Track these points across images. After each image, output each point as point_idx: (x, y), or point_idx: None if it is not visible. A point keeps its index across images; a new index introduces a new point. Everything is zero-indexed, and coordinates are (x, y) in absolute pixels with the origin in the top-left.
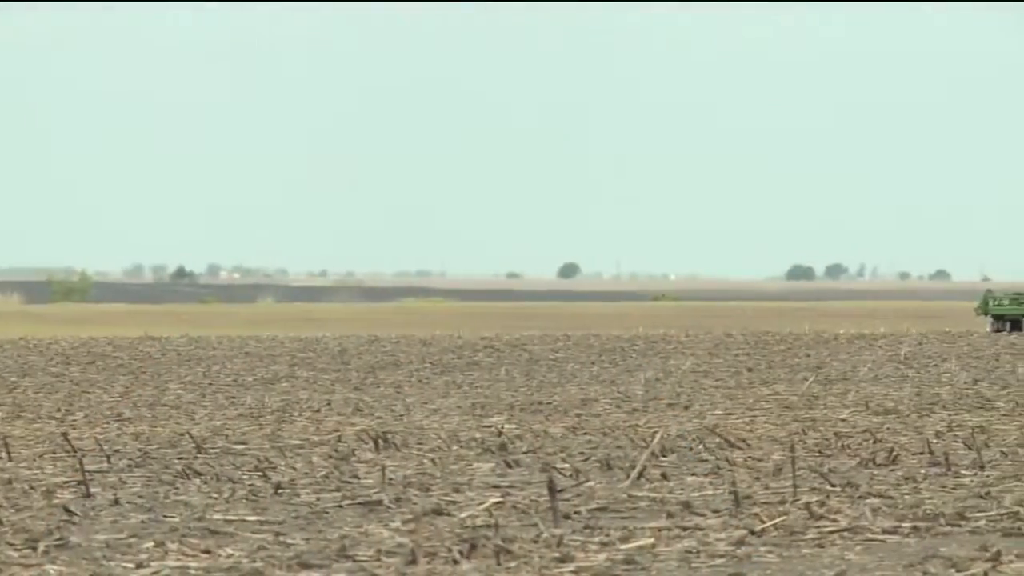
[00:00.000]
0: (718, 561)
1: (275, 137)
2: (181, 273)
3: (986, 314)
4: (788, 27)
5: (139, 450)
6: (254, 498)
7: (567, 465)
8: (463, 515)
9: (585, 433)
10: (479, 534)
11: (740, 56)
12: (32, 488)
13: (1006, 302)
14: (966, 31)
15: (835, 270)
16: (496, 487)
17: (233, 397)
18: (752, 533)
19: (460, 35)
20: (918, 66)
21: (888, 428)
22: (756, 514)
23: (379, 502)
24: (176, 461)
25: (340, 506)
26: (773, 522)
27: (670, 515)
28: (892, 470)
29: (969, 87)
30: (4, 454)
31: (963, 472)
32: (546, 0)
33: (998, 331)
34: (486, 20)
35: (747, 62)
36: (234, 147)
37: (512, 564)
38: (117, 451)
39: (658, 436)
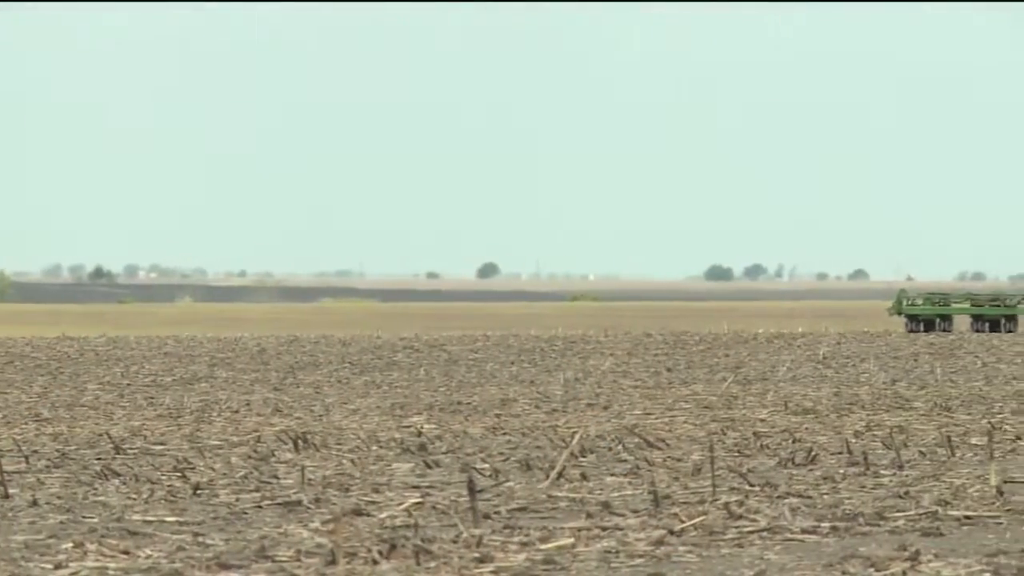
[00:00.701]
0: (637, 561)
1: (193, 137)
2: (99, 273)
3: (899, 314)
4: (705, 29)
5: (57, 451)
6: (173, 499)
7: (487, 465)
8: (383, 515)
9: (504, 433)
10: (399, 534)
11: (657, 58)
12: None
13: (919, 302)
14: (885, 32)
15: (754, 270)
16: (416, 487)
17: (152, 397)
18: (671, 533)
19: (379, 36)
20: (837, 66)
21: (807, 428)
22: (675, 514)
23: (298, 502)
24: (95, 462)
25: (259, 506)
26: (692, 522)
27: (589, 515)
28: (811, 470)
29: (886, 88)
30: None
31: (882, 472)
32: (455, 0)
33: (912, 331)
34: (403, 22)
35: (664, 64)
36: (152, 147)
37: (432, 564)
38: (35, 452)
39: (577, 436)
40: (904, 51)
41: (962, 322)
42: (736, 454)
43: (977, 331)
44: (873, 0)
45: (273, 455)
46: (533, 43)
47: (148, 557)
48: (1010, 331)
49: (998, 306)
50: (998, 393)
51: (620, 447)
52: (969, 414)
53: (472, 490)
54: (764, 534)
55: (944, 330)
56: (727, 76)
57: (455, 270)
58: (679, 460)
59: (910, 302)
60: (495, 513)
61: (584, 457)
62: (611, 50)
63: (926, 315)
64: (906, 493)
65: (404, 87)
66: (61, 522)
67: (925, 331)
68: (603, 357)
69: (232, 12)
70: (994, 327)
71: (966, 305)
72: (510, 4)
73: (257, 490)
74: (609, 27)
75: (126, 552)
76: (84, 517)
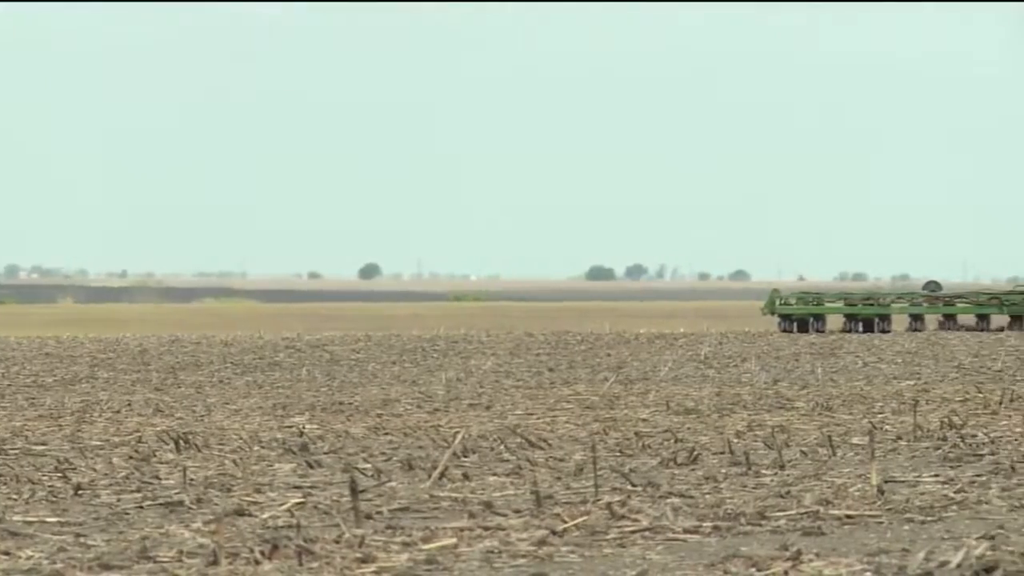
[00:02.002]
0: (520, 561)
1: (73, 135)
2: None
3: (772, 313)
4: (583, 28)
5: None
6: (54, 499)
7: (369, 465)
8: (265, 516)
9: (387, 433)
10: (281, 535)
11: (538, 57)
12: None
13: (793, 301)
14: (768, 30)
15: (635, 271)
16: (298, 487)
17: (33, 398)
18: (554, 533)
19: (267, 33)
20: (713, 66)
21: (689, 428)
22: (558, 514)
23: (180, 503)
24: None
25: (141, 507)
26: (575, 522)
27: (472, 515)
28: (693, 470)
29: (767, 87)
30: None
31: (763, 472)
32: (345, 0)
33: (785, 331)
34: (291, 21)
35: (543, 65)
36: (31, 146)
37: (314, 565)
38: None
39: (459, 436)
40: (785, 50)
41: (836, 322)
42: (618, 454)
43: (850, 331)
44: (751, 0)
45: (155, 455)
46: (417, 43)
47: (29, 558)
48: (884, 331)
49: (872, 305)
50: (879, 393)
51: (502, 447)
52: (850, 414)
53: (354, 490)
54: (646, 534)
55: (818, 330)
56: (607, 75)
57: (337, 270)
58: (561, 460)
59: (783, 301)
60: (377, 513)
61: (466, 457)
62: (495, 50)
63: (799, 315)
64: (787, 492)
65: (285, 86)
66: None
67: (798, 331)
68: (485, 357)
69: (114, 11)
70: (868, 327)
71: (840, 304)
72: (383, 4)
73: (139, 490)
74: (495, 27)
75: (7, 553)
76: None
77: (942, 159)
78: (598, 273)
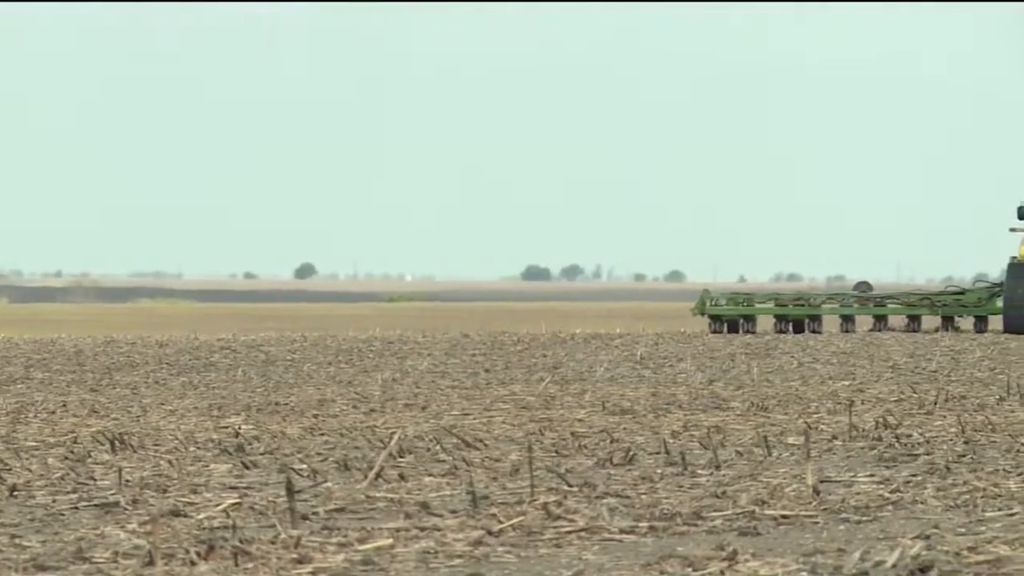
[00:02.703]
0: (456, 561)
1: (6, 134)
2: None
3: (703, 314)
4: (494, 28)
5: None
6: None
7: (305, 466)
8: (200, 516)
9: (323, 434)
10: (217, 535)
11: (471, 57)
12: None
13: (723, 302)
14: (714, 30)
15: (571, 271)
16: (234, 488)
17: None
18: (490, 533)
19: (203, 34)
20: (654, 65)
21: (625, 428)
22: (494, 514)
23: (116, 504)
24: None
25: (76, 508)
26: (511, 522)
27: (408, 515)
28: (629, 470)
29: (699, 85)
30: None
31: (699, 472)
32: (284, 0)
33: (715, 332)
34: (223, 21)
35: (479, 63)
36: None
37: (250, 565)
38: None
39: (396, 437)
40: (721, 50)
41: (767, 323)
42: (554, 454)
43: (781, 332)
44: (656, 0)
45: (90, 456)
46: (350, 42)
47: None
48: (815, 331)
49: (803, 306)
50: (814, 393)
51: (438, 447)
52: (786, 414)
53: (290, 491)
54: (582, 534)
55: (748, 331)
56: (542, 74)
57: (272, 270)
58: (497, 460)
59: (713, 302)
60: (313, 514)
61: (402, 457)
62: (428, 50)
63: (729, 316)
64: (723, 493)
65: (220, 87)
66: None
67: (728, 332)
68: (421, 357)
69: (41, 9)
70: (798, 328)
71: (770, 305)
72: (325, 4)
73: (74, 491)
74: (425, 26)
75: None
76: None
77: (878, 160)
78: (534, 273)
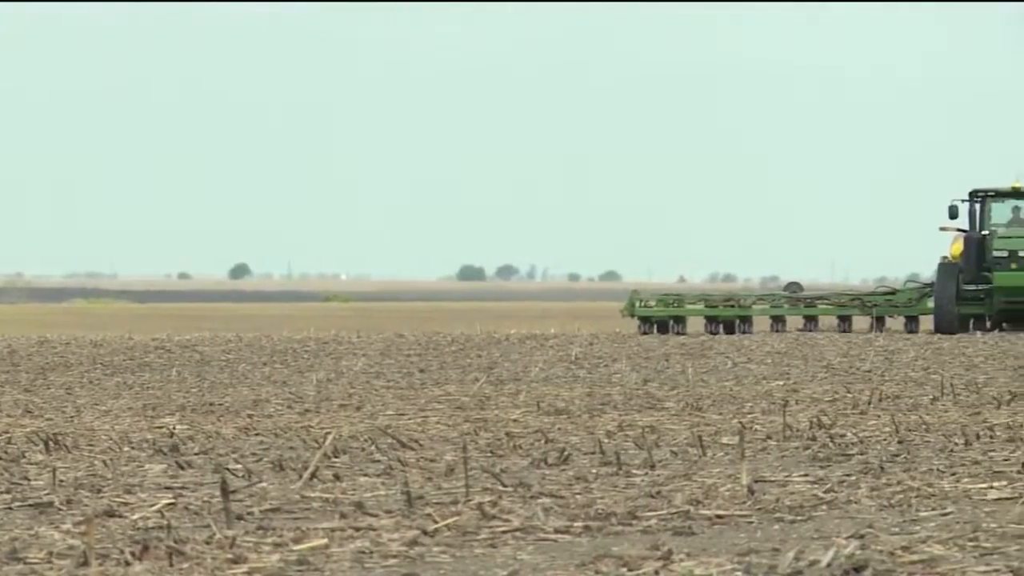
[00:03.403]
0: (391, 561)
1: None
2: None
3: (632, 316)
4: (435, 29)
5: None
6: None
7: (239, 466)
8: (135, 516)
9: (257, 434)
10: (151, 535)
11: (394, 58)
12: None
13: (652, 303)
14: (642, 31)
15: (506, 271)
16: (168, 488)
17: None
18: (425, 533)
19: (138, 32)
20: (589, 64)
21: (559, 428)
22: (429, 514)
23: (50, 504)
24: None
25: (10, 508)
26: (446, 522)
27: (343, 515)
28: (564, 470)
29: (642, 89)
30: None
31: (634, 472)
32: (201, 1)
33: (645, 333)
34: (159, 20)
35: (401, 64)
36: None
37: (185, 565)
38: None
39: (330, 437)
40: (652, 51)
41: (697, 324)
42: (489, 454)
43: (712, 333)
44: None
45: (24, 456)
46: (284, 42)
47: None
48: (745, 332)
49: (733, 307)
50: (748, 393)
51: (373, 448)
52: (720, 414)
53: (225, 491)
54: (517, 534)
55: (678, 332)
56: (479, 74)
57: (207, 270)
58: (432, 460)
59: (643, 303)
60: (248, 514)
61: (337, 458)
62: (365, 49)
63: (659, 317)
64: (658, 493)
65: (154, 85)
66: None
67: (658, 333)
68: (356, 358)
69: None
70: (729, 328)
71: (700, 306)
72: (264, 4)
73: (8, 492)
74: (364, 26)
75: None
76: None
77: (813, 161)
78: (469, 273)
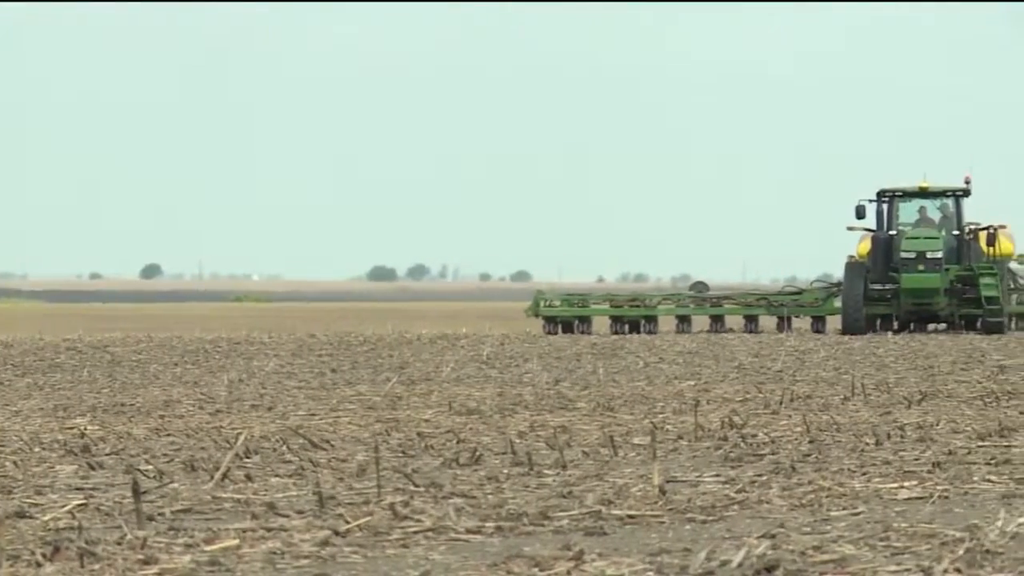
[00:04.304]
0: (303, 562)
1: None
2: None
3: (537, 316)
4: (344, 28)
5: None
6: None
7: (151, 467)
8: (46, 517)
9: (169, 435)
10: (62, 536)
11: (303, 58)
12: None
13: (557, 303)
14: (548, 31)
15: (417, 271)
16: (79, 489)
17: None
18: (337, 534)
19: (47, 30)
20: (497, 67)
21: (471, 428)
22: (340, 515)
23: None
24: None
25: None
26: (357, 523)
27: (255, 516)
28: (475, 470)
29: (550, 90)
30: None
31: (546, 472)
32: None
33: (550, 333)
34: (77, 18)
35: (310, 65)
36: None
37: (96, 566)
38: None
39: (242, 437)
40: (560, 52)
41: (602, 324)
42: (401, 455)
43: (617, 333)
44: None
45: None
46: (201, 43)
47: None
48: (650, 332)
49: (638, 307)
50: (660, 393)
51: (285, 448)
52: (632, 414)
53: (136, 492)
54: (429, 534)
55: (583, 332)
56: (378, 75)
57: (118, 271)
58: (344, 461)
59: (548, 303)
60: (159, 515)
61: (249, 458)
62: (275, 52)
63: (564, 317)
64: (570, 493)
65: (65, 83)
66: None
67: (563, 333)
68: (267, 358)
69: None
70: (634, 328)
71: (605, 306)
72: (172, 4)
73: None
74: (273, 28)
75: None
76: None
77: (724, 160)
78: (380, 273)
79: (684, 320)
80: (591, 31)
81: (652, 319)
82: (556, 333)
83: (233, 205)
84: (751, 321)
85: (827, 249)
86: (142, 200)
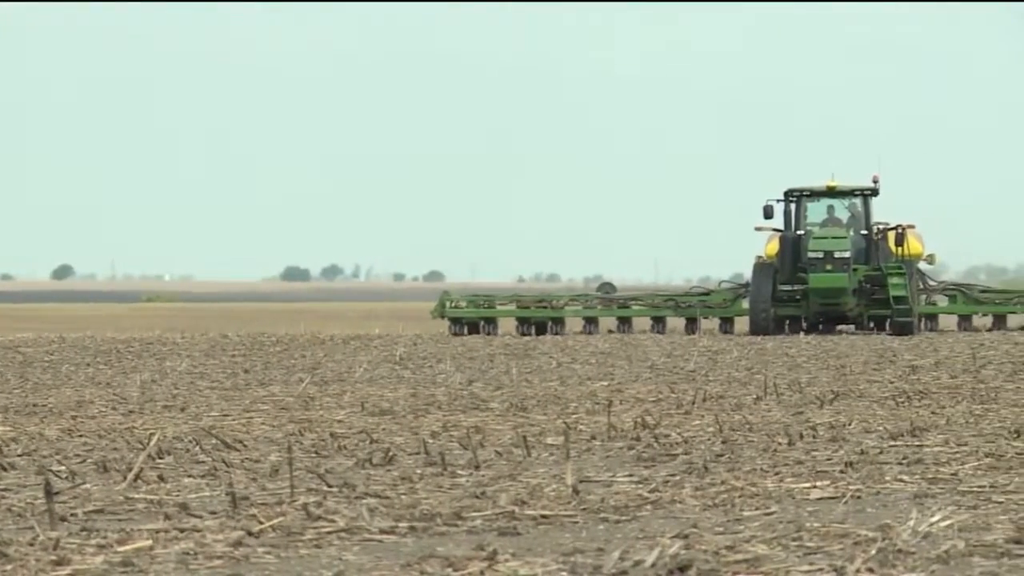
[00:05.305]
0: (216, 562)
1: None
2: None
3: (443, 317)
4: (253, 26)
5: None
6: None
7: (63, 467)
8: None
9: (81, 435)
10: None
11: (213, 55)
12: None
13: (463, 304)
14: (450, 29)
15: (331, 271)
16: None
17: None
18: (250, 534)
19: (6, 32)
20: (399, 65)
21: (384, 429)
22: (254, 515)
23: None
24: None
25: None
26: (271, 523)
27: (167, 517)
28: (389, 470)
29: (447, 88)
30: None
31: (459, 472)
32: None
33: (456, 334)
34: (37, 19)
35: (220, 61)
36: None
37: (8, 567)
38: None
39: (155, 438)
40: (453, 51)
41: (509, 325)
42: (314, 455)
43: (523, 334)
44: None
45: None
46: (104, 42)
47: None
48: (557, 334)
49: (545, 308)
50: (573, 393)
51: (198, 449)
52: (545, 414)
53: (49, 492)
54: (343, 534)
55: (489, 333)
56: (290, 74)
57: (29, 271)
58: (257, 461)
59: (453, 304)
60: (72, 515)
61: (161, 459)
62: (184, 51)
63: (470, 318)
64: (483, 493)
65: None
66: None
67: (469, 334)
68: (180, 358)
69: None
70: (540, 330)
71: (511, 307)
72: (77, 4)
73: None
74: (186, 25)
75: None
76: None
77: (635, 160)
78: (293, 274)
79: (591, 322)
80: (504, 31)
81: (559, 320)
82: (462, 334)
83: (145, 205)
84: (658, 322)
85: (740, 249)
86: (53, 200)
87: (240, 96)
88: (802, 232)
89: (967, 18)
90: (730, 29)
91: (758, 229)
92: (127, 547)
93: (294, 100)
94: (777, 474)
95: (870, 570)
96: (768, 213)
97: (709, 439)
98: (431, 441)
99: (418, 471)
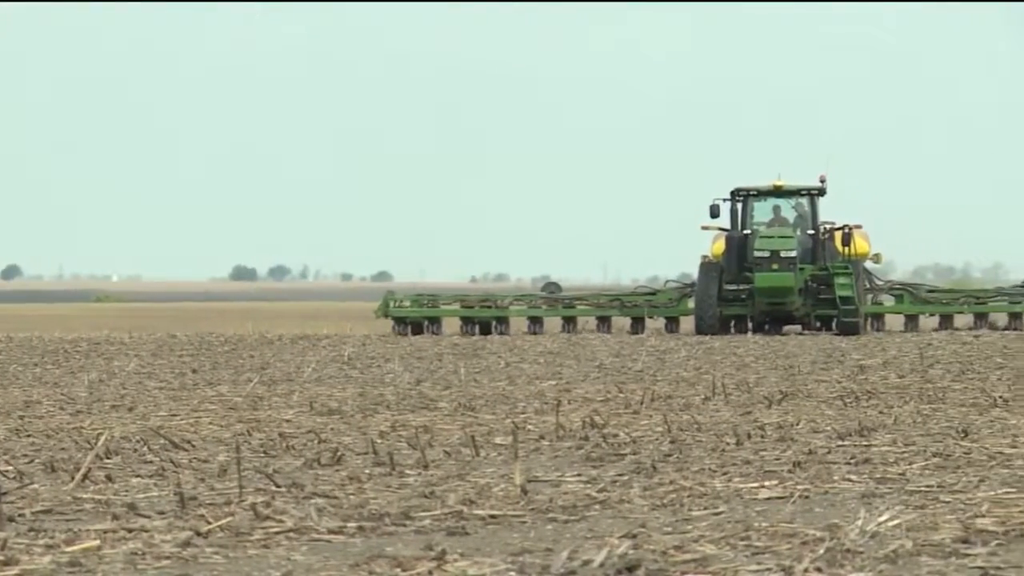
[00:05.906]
0: (164, 563)
1: None
2: None
3: (386, 316)
4: (202, 24)
5: None
6: None
7: (11, 468)
8: None
9: (29, 435)
10: None
11: (165, 55)
12: None
13: (407, 303)
14: (405, 28)
15: (278, 271)
16: None
17: None
18: (198, 534)
19: None
20: (355, 65)
21: (332, 428)
22: (202, 515)
23: None
24: None
25: None
26: (219, 523)
27: (115, 517)
28: (337, 470)
29: (410, 88)
30: None
31: (407, 472)
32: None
33: (400, 334)
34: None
35: (170, 62)
36: None
37: None
38: None
39: (103, 438)
40: (411, 51)
41: (453, 325)
42: (262, 455)
43: (468, 334)
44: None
45: None
46: (49, 39)
47: None
48: (502, 333)
49: (489, 307)
50: (521, 393)
51: (146, 449)
52: (493, 414)
53: None
54: (291, 534)
55: (433, 333)
56: (240, 73)
57: None
58: (205, 461)
59: (397, 304)
60: (20, 516)
61: (109, 459)
62: (136, 51)
63: (414, 317)
64: (431, 493)
65: None
66: None
67: (413, 334)
68: (128, 358)
69: None
70: (485, 329)
71: (456, 307)
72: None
73: None
74: (136, 22)
75: None
76: None
77: (583, 160)
78: (241, 273)
79: (536, 322)
80: (454, 29)
81: (503, 320)
82: (406, 334)
83: (93, 205)
84: (603, 322)
85: (686, 249)
86: (0, 201)
87: (190, 97)
88: (748, 232)
89: (915, 18)
90: (678, 29)
91: (704, 228)
92: (75, 547)
93: (244, 101)
94: (725, 474)
95: (818, 570)
96: (715, 212)
97: (657, 439)
98: (379, 441)
99: (366, 471)
